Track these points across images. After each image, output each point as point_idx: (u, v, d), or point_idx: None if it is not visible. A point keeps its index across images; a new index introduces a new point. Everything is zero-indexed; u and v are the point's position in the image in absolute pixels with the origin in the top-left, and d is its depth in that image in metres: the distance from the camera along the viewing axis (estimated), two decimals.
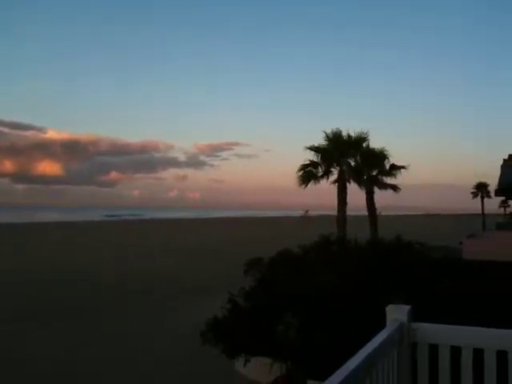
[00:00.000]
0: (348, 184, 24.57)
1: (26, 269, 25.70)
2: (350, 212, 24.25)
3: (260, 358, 8.01)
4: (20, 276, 23.27)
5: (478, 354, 2.70)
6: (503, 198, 45.73)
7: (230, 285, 9.55)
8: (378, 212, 26.05)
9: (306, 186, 24.89)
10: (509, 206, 61.21)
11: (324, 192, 26.46)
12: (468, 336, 2.76)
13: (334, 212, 24.24)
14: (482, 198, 70.33)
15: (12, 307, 16.08)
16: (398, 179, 26.19)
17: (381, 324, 2.83)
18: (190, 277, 23.08)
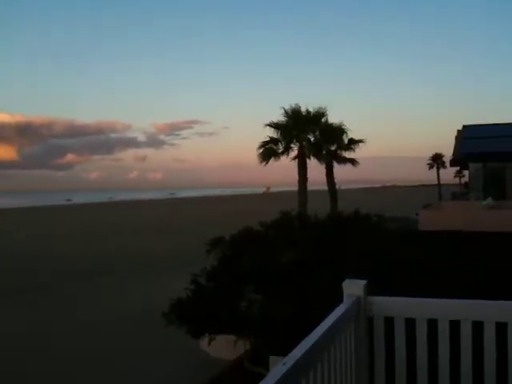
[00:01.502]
0: (308, 160, 24.77)
1: None
2: (311, 187, 24.50)
3: (224, 335, 8.07)
4: None
5: (433, 324, 2.77)
6: (458, 168, 47.03)
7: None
8: (337, 186, 26.40)
9: (267, 162, 24.97)
10: (463, 176, 62.96)
11: (285, 168, 26.64)
12: (422, 307, 2.83)
13: (296, 187, 24.44)
14: (438, 168, 72.11)
15: None
16: (357, 153, 26.62)
17: (339, 298, 2.87)
18: None
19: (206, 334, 8.10)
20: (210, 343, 8.09)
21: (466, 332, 2.70)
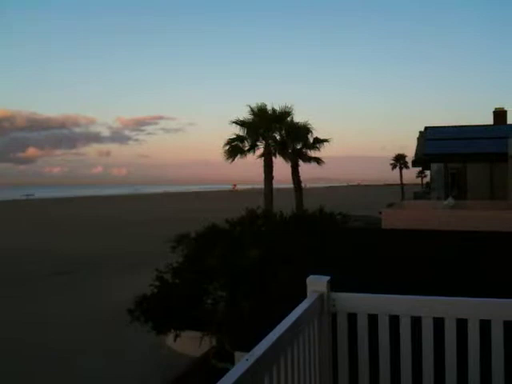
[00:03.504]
0: (274, 158, 24.87)
1: None
2: (278, 185, 24.60)
3: (190, 332, 8.07)
4: None
5: (395, 320, 2.84)
6: (420, 168, 47.99)
7: None
8: (303, 185, 26.58)
9: (233, 160, 24.94)
10: (425, 176, 64.23)
11: (252, 165, 26.66)
12: (384, 303, 2.88)
13: (262, 185, 24.51)
14: (401, 168, 73.52)
15: None
16: (322, 152, 26.88)
17: (303, 294, 2.90)
18: None
19: (172, 330, 8.09)
20: (175, 339, 8.08)
21: (427, 327, 2.78)
